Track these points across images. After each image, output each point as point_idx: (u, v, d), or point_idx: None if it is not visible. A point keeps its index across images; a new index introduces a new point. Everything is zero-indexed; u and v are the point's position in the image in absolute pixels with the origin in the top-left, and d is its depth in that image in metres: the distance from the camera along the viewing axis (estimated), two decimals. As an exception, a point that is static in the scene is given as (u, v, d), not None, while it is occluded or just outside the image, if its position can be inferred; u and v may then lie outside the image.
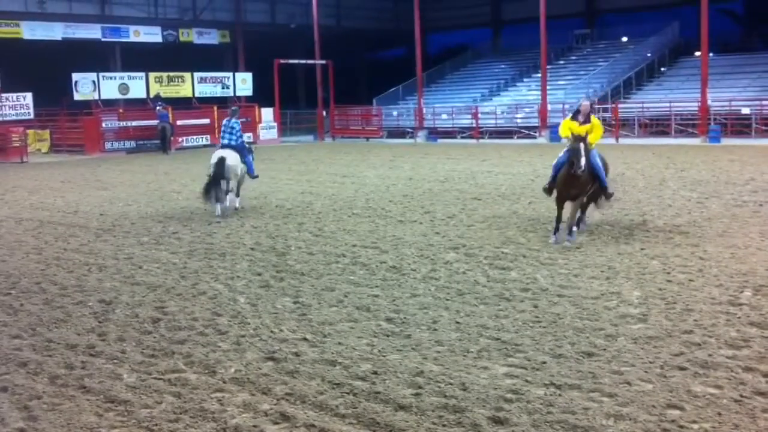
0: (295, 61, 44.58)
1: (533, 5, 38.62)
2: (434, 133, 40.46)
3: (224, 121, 15.41)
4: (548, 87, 38.44)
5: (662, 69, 43.93)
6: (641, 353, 6.30)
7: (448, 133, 40.42)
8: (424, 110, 42.80)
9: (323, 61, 43.86)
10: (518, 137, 37.70)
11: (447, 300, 8.15)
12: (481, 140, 37.44)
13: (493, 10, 55.75)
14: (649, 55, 44.25)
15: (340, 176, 21.35)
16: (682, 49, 44.41)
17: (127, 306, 8.31)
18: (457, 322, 7.33)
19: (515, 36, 52.34)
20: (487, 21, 56.23)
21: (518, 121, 40.20)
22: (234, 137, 15.08)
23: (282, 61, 41.90)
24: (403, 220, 13.40)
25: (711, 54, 37.83)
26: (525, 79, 46.20)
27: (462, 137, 39.52)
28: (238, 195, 15.34)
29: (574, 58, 47.86)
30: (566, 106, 39.09)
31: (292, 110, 48.81)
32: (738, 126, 33.92)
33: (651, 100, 39.13)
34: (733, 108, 34.92)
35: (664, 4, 47.42)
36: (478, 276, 9.12)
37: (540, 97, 38.20)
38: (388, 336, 7.03)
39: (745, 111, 34.52)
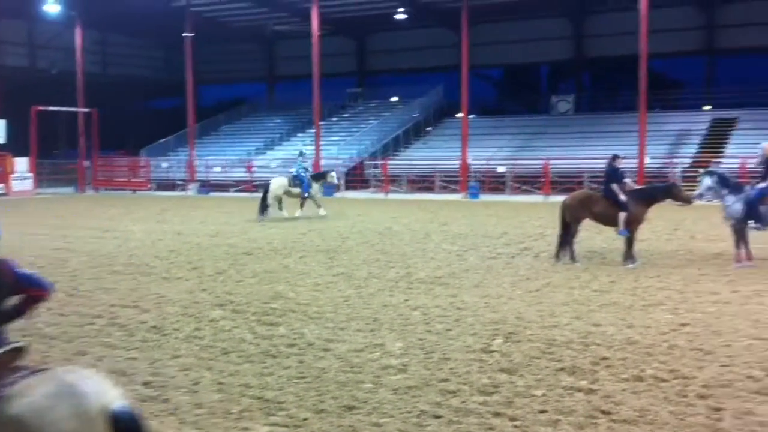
0: (56, 109, 42.07)
1: (307, 62, 39.60)
2: (206, 186, 39.77)
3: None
4: (322, 142, 39.36)
5: (428, 128, 46.60)
6: (400, 404, 6.41)
7: (221, 187, 39.93)
8: (197, 162, 42.03)
9: (87, 109, 41.81)
10: (292, 191, 37.99)
11: (210, 360, 7.85)
12: (254, 194, 37.28)
13: (268, 65, 56.41)
14: (416, 115, 46.82)
15: (101, 231, 20.22)
16: (446, 110, 47.46)
17: None
18: (220, 383, 7.07)
19: (290, 91, 53.31)
20: (263, 75, 56.80)
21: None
22: (296, 168, 23.62)
23: (41, 108, 39.37)
24: (168, 276, 12.88)
25: (472, 116, 40.77)
26: (300, 134, 46.96)
27: (235, 191, 39.18)
28: (314, 206, 23.24)
29: (347, 115, 49.49)
30: (339, 161, 40.20)
31: (52, 160, 45.93)
32: (494, 183, 36.62)
33: (418, 158, 41.28)
34: (490, 166, 37.68)
35: (429, 68, 50.54)
36: (244, 333, 8.91)
37: (314, 152, 38.94)
38: (144, 401, 6.60)
39: (501, 169, 37.39)
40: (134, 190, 40.49)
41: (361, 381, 7.03)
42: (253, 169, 40.48)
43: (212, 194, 37.96)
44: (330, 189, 36.99)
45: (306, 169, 23.96)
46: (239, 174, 41.51)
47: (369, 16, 46.60)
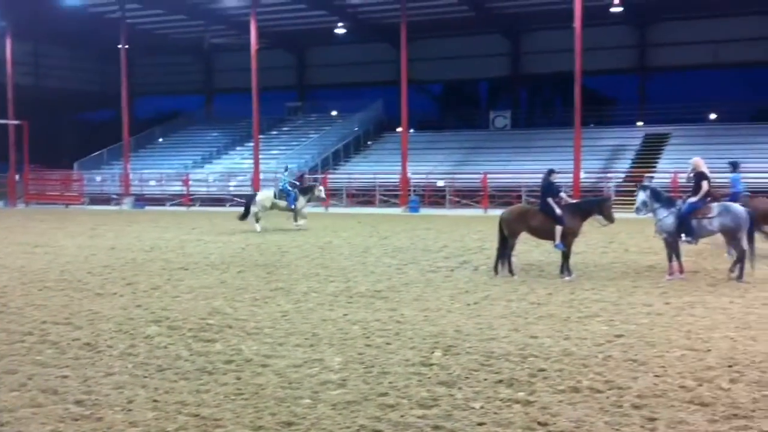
0: (-15, 121, 40.92)
1: (246, 75, 39.34)
2: (142, 200, 39.08)
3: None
4: (261, 156, 39.08)
5: (368, 143, 46.73)
6: (339, 419, 6.35)
7: (157, 200, 39.29)
8: (131, 176, 41.30)
9: (17, 122, 40.71)
10: (231, 205, 37.64)
11: (145, 377, 7.66)
12: (191, 208, 36.80)
13: (205, 78, 55.86)
14: (356, 129, 46.92)
15: (32, 246, 19.66)
16: (386, 125, 47.71)
17: None
18: (155, 401, 6.91)
19: (229, 104, 52.94)
20: (200, 88, 56.22)
21: (231, 189, 40.25)
22: (282, 183, 24.19)
23: (-31, 120, 38.23)
24: (101, 292, 12.56)
25: (411, 130, 41.06)
26: (238, 148, 46.58)
27: (172, 204, 38.59)
28: (295, 220, 24.00)
29: (286, 128, 49.29)
30: (278, 175, 39.95)
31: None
32: (434, 197, 36.87)
33: (358, 172, 41.33)
34: (429, 180, 37.95)
35: (369, 83, 50.77)
36: (180, 350, 8.73)
37: (253, 166, 38.64)
38: (76, 420, 6.42)
39: (440, 183, 37.69)
40: (67, 205, 39.53)
41: (300, 397, 6.95)
42: (190, 183, 39.90)
43: (147, 208, 37.27)
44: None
45: (293, 183, 24.57)
46: (176, 188, 40.89)
47: (308, 30, 46.59)
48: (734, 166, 17.12)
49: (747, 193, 17.23)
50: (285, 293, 12.37)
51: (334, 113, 50.26)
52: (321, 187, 25.47)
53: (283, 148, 45.19)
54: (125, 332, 9.63)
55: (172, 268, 15.45)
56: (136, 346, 8.94)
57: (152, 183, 42.13)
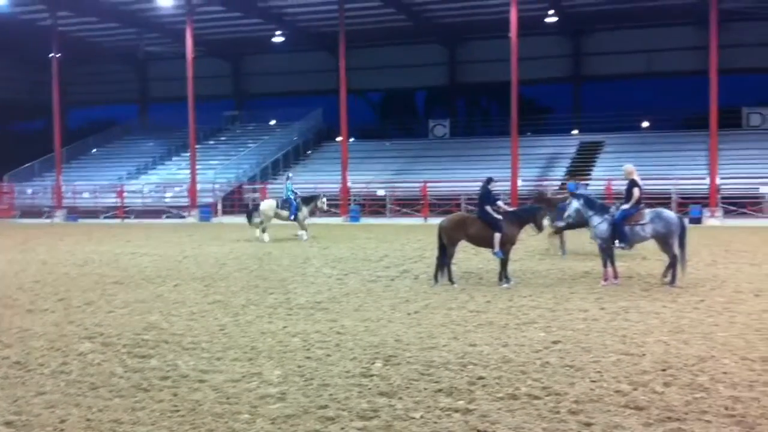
0: None
1: (181, 84, 38.80)
2: (75, 213, 38.17)
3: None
4: (198, 166, 38.57)
5: (308, 152, 46.57)
6: (278, 434, 6.28)
7: (91, 213, 38.42)
8: (64, 188, 40.30)
9: (-56, 133, 39.43)
10: (167, 217, 37.06)
11: (78, 396, 7.45)
12: (126, 220, 36.10)
13: (140, 86, 54.95)
14: (295, 138, 46.73)
15: (-40, 261, 19.02)
16: (325, 134, 47.62)
17: None
18: (88, 419, 6.71)
19: (164, 114, 52.18)
20: (135, 97, 55.27)
21: (167, 200, 39.62)
22: (285, 192, 24.03)
23: None
24: (32, 309, 12.18)
25: (352, 139, 41.05)
26: (174, 158, 45.91)
27: (106, 217, 37.80)
28: (305, 230, 24.12)
29: (224, 138, 48.81)
30: (216, 186, 39.47)
31: None
32: (375, 206, 36.92)
33: (298, 181, 40.95)
34: (370, 189, 38.00)
35: (307, 92, 50.62)
36: (114, 366, 8.51)
37: (189, 176, 38.12)
38: (5, 443, 6.20)
39: (381, 192, 37.77)
40: (-4, 218, 38.39)
41: (238, 412, 6.84)
42: (125, 194, 39.13)
43: (81, 221, 36.39)
44: (207, 213, 36.32)
45: (295, 193, 24.24)
46: (110, 200, 40.05)
47: (245, 38, 46.24)
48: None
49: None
50: (223, 306, 12.20)
51: (272, 122, 49.95)
52: (324, 198, 25.01)
53: (221, 158, 44.71)
54: (57, 349, 9.35)
55: (106, 282, 15.09)
56: (69, 363, 8.69)
57: (86, 195, 41.20)
